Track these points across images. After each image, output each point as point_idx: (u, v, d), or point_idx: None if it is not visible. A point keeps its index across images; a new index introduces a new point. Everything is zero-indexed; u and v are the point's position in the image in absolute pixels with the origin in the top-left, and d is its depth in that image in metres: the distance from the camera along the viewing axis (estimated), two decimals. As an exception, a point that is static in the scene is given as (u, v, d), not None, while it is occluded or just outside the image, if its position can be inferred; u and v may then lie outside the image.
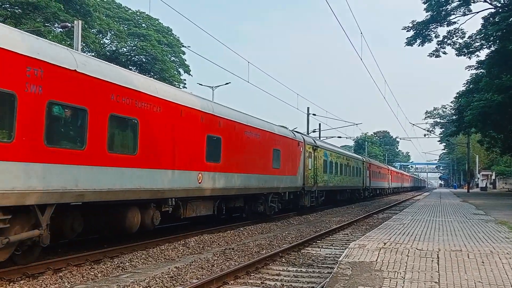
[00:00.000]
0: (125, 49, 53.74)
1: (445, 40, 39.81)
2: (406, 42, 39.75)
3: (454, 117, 53.56)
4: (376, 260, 8.08)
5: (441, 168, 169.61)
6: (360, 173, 40.47)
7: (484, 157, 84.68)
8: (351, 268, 7.39)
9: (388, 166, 68.46)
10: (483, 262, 8.01)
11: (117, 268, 9.46)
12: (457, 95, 46.88)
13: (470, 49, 39.27)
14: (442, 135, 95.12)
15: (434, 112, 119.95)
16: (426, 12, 37.74)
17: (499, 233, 12.29)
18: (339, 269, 7.40)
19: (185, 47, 57.47)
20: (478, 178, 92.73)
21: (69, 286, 8.03)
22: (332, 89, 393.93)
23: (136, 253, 10.95)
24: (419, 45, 39.71)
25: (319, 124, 55.09)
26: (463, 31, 39.42)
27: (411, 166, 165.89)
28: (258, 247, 12.29)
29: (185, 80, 58.98)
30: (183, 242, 12.54)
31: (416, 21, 38.70)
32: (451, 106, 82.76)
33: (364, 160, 44.85)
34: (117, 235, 12.02)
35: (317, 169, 25.65)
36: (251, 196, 18.33)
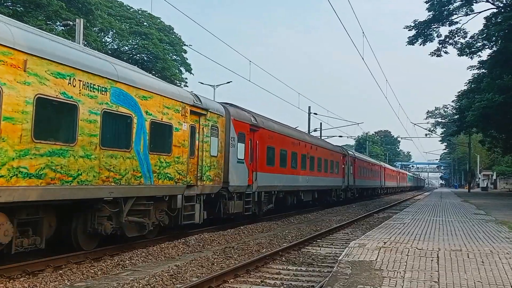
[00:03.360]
0: (126, 48, 53.72)
1: (447, 39, 39.83)
2: (407, 41, 39.78)
3: (455, 117, 53.53)
4: (376, 259, 8.09)
5: (442, 168, 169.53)
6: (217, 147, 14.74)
7: (485, 157, 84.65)
8: (351, 267, 7.40)
9: (344, 149, 36.64)
10: (483, 262, 8.02)
11: (117, 266, 9.47)
12: (458, 93, 46.84)
13: (472, 49, 39.25)
14: (443, 135, 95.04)
15: (436, 111, 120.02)
16: (428, 11, 37.74)
17: (499, 233, 12.30)
18: (339, 268, 7.40)
19: (187, 45, 57.49)
20: (479, 178, 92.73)
21: (69, 284, 8.04)
22: (333, 88, 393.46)
23: (136, 251, 10.95)
24: (420, 44, 39.78)
25: (320, 124, 54.96)
26: (465, 31, 39.45)
27: (412, 166, 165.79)
28: (258, 246, 12.30)
29: (186, 79, 58.94)
30: (183, 241, 12.53)
31: (418, 21, 38.72)
32: (452, 105, 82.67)
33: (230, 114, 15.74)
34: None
35: None
36: None
